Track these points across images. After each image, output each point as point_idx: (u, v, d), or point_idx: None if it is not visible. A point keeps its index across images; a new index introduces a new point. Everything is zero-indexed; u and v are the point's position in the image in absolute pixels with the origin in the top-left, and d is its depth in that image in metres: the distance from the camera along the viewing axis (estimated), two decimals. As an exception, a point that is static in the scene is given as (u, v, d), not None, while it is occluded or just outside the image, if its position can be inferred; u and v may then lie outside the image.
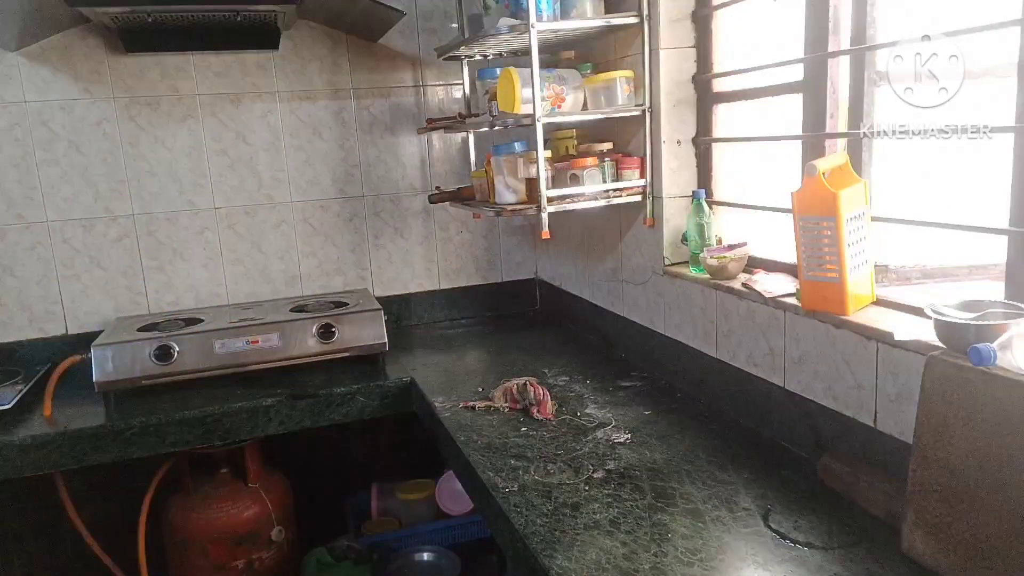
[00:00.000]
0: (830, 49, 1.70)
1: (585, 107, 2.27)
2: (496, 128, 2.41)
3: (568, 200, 2.18)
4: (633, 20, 2.13)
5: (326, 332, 2.46)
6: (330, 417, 2.33)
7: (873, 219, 1.61)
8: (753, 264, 2.02)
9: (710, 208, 2.09)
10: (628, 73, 2.19)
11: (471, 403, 2.12)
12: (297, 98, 2.82)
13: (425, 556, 2.58)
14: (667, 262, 2.22)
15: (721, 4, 2.04)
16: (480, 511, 1.75)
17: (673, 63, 2.13)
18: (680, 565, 1.31)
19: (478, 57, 2.67)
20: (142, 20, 2.32)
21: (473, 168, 2.78)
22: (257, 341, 2.41)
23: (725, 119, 2.13)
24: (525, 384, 2.10)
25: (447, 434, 1.97)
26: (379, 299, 2.79)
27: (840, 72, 1.71)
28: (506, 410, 2.08)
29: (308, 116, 2.85)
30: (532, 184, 2.17)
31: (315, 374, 2.45)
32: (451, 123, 2.61)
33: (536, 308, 3.23)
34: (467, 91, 2.74)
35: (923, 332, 1.40)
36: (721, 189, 2.17)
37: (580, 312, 2.85)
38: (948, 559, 1.21)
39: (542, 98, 2.10)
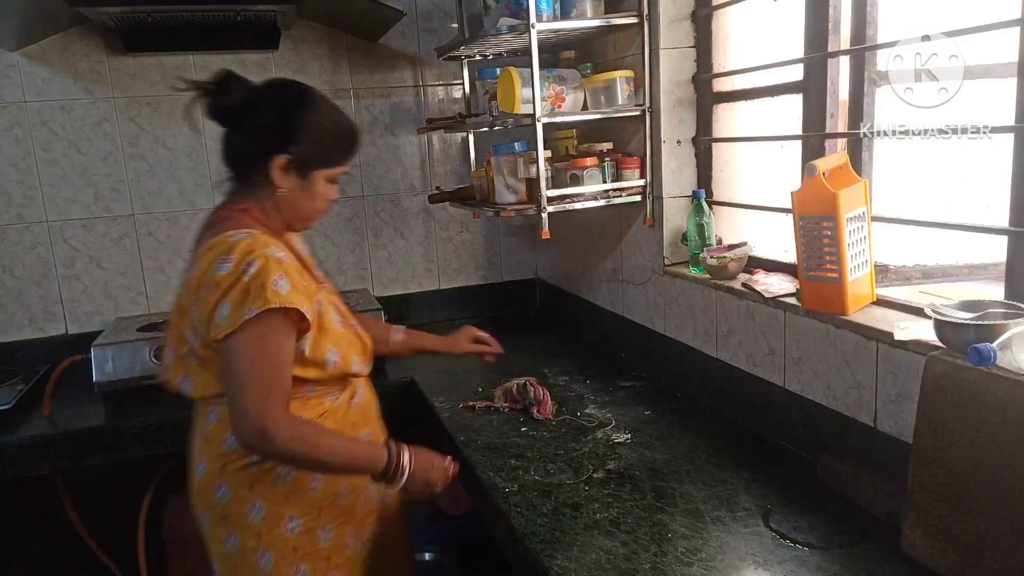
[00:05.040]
0: (830, 49, 1.70)
1: (585, 107, 2.27)
2: (496, 128, 2.41)
3: (568, 200, 2.18)
4: (633, 20, 2.13)
5: (326, 332, 2.45)
6: (330, 417, 2.33)
7: (873, 219, 1.61)
8: (753, 264, 2.01)
9: (710, 208, 2.09)
10: (628, 73, 2.19)
11: (471, 403, 2.12)
12: (297, 98, 2.82)
13: (425, 556, 2.58)
14: (667, 262, 2.22)
15: (721, 4, 2.03)
16: (480, 511, 1.75)
17: (673, 63, 2.13)
18: (680, 565, 1.31)
19: (478, 57, 2.67)
20: (142, 20, 2.32)
21: (473, 168, 2.78)
22: (257, 341, 2.41)
23: (725, 119, 2.13)
24: (525, 384, 2.10)
25: (447, 434, 1.97)
26: (379, 299, 2.79)
27: (840, 72, 1.71)
28: (506, 410, 2.08)
29: (308, 116, 2.84)
30: (532, 184, 2.17)
31: (315, 374, 2.44)
32: (451, 123, 2.61)
33: (536, 308, 3.23)
34: (467, 91, 2.74)
35: (923, 332, 1.40)
36: (721, 189, 2.18)
37: (580, 312, 2.85)
38: (948, 559, 1.21)
39: (542, 98, 2.10)
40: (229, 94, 1.45)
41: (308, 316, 1.42)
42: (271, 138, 1.45)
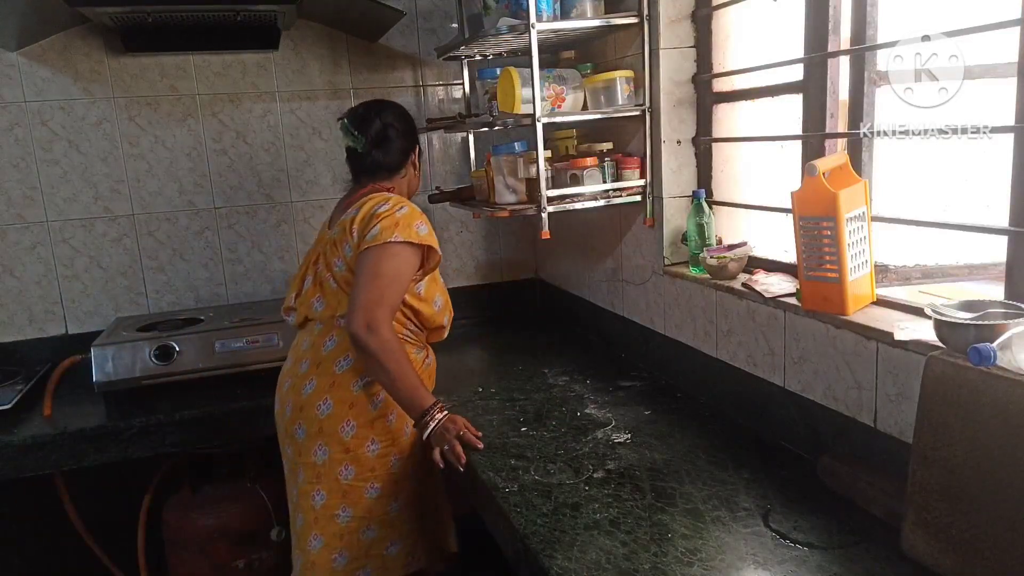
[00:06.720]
0: (830, 49, 1.70)
1: (585, 107, 2.27)
2: (496, 128, 2.41)
3: (568, 200, 2.18)
4: (633, 20, 2.13)
5: (326, 332, 2.46)
6: (330, 417, 2.33)
7: (873, 219, 1.61)
8: (753, 264, 2.01)
9: (710, 208, 2.09)
10: (628, 73, 2.19)
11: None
12: (297, 98, 2.82)
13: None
14: (667, 262, 2.22)
15: (721, 4, 2.03)
16: (480, 511, 1.75)
17: (673, 63, 2.13)
18: (680, 565, 1.31)
19: (478, 57, 2.67)
20: (142, 20, 2.32)
21: (473, 168, 2.78)
22: (257, 341, 2.41)
23: (725, 119, 2.13)
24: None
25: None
26: (379, 299, 2.79)
27: (840, 72, 1.71)
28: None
29: (308, 116, 2.85)
30: (532, 184, 2.17)
31: (315, 374, 2.44)
32: (451, 123, 2.61)
33: (536, 308, 3.23)
34: (467, 91, 2.74)
35: (923, 332, 1.40)
36: (721, 189, 2.17)
37: (580, 312, 2.85)
38: (948, 559, 1.21)
39: (542, 98, 2.10)
40: (370, 127, 1.93)
41: (440, 253, 1.87)
42: (407, 143, 2.02)
